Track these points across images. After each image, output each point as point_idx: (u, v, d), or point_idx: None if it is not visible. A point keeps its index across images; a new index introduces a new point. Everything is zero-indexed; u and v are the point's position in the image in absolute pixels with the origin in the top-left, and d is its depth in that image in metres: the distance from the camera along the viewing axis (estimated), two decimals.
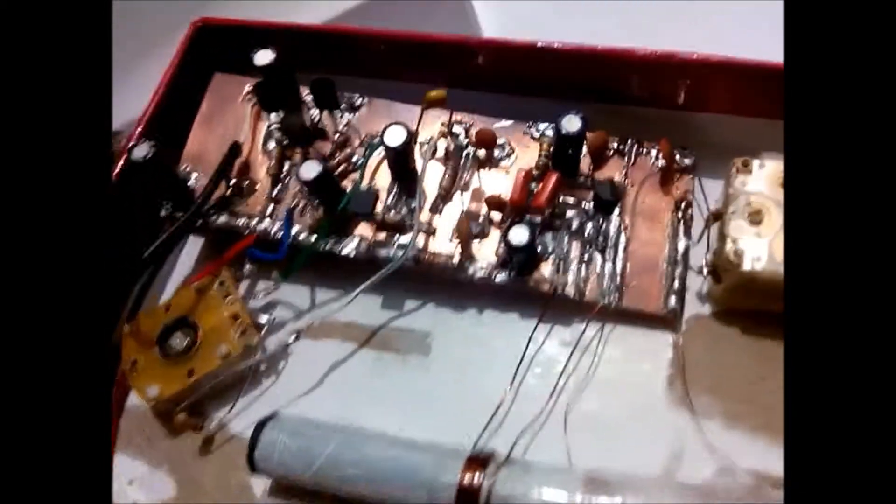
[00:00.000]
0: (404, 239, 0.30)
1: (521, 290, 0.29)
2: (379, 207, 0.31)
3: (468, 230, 0.29)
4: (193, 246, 0.35)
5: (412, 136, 0.29)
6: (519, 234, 0.28)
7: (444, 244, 0.30)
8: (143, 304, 0.32)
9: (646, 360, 0.29)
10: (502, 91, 0.34)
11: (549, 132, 0.31)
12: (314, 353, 0.31)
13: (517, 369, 0.29)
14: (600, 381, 0.29)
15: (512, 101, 0.34)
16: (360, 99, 0.33)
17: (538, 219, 0.30)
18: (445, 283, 0.31)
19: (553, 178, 0.29)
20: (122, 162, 0.31)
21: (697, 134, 0.32)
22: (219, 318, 0.30)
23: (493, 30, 0.40)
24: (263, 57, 0.31)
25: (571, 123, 0.28)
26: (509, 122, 0.32)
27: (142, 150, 0.29)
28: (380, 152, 0.31)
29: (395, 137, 0.29)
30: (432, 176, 0.31)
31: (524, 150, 0.31)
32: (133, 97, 0.34)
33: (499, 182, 0.31)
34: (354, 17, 0.37)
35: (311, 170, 0.28)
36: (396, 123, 0.29)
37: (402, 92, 0.33)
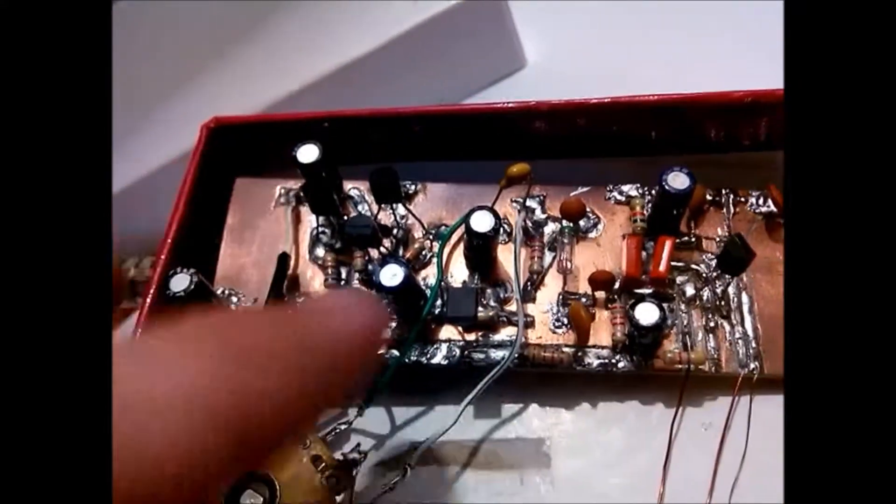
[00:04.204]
0: (499, 336, 0.27)
1: (648, 374, 0.26)
2: None
3: (588, 315, 0.25)
4: None
5: (500, 220, 0.26)
6: (648, 313, 0.24)
7: (546, 335, 0.26)
8: None
9: None
10: (557, 156, 0.30)
11: (634, 192, 0.28)
12: (412, 488, 0.26)
13: (665, 464, 0.25)
14: (766, 463, 0.24)
15: (571, 165, 0.31)
16: (413, 186, 0.29)
17: (648, 291, 0.26)
18: (542, 379, 0.27)
19: (668, 244, 0.26)
20: (151, 296, 0.26)
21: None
22: (296, 465, 0.25)
23: (535, 58, 0.37)
24: (308, 154, 0.26)
25: (678, 180, 0.25)
26: (586, 189, 0.29)
27: (181, 282, 0.25)
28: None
29: (482, 222, 0.25)
30: (509, 259, 0.28)
31: (611, 218, 0.28)
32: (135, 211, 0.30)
33: (590, 256, 0.28)
34: (376, 57, 0.33)
35: (394, 275, 0.24)
36: (481, 208, 0.26)
37: (438, 170, 0.30)
